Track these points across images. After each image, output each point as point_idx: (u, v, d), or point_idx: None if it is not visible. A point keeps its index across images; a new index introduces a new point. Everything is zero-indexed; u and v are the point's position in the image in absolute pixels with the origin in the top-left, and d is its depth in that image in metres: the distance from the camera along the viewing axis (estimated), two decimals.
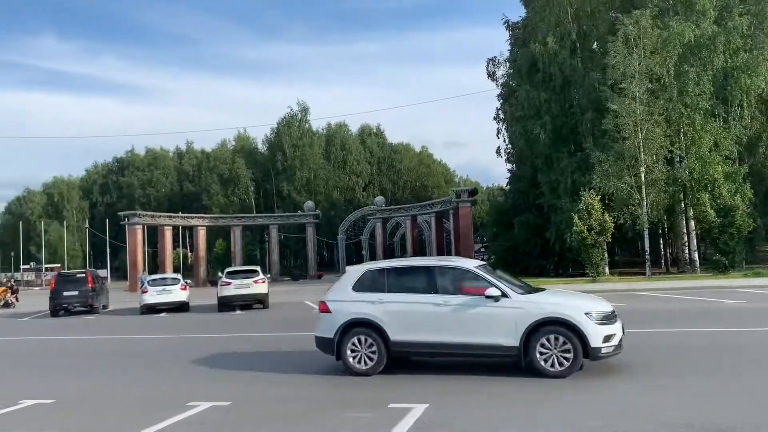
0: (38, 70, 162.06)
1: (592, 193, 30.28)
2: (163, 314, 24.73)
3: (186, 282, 26.65)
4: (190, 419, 7.74)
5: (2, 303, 32.51)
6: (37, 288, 67.94)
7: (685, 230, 35.61)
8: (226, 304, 24.14)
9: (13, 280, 40.10)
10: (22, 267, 78.12)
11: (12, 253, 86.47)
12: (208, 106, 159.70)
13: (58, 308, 25.79)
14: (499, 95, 54.20)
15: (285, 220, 58.99)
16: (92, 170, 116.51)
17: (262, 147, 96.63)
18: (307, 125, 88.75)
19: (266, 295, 24.41)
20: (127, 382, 10.70)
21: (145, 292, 24.91)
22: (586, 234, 28.90)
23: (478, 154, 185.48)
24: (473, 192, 41.04)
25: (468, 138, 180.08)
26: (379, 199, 56.94)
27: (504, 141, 61.60)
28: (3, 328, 23.12)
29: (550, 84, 39.13)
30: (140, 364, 12.70)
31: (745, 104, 34.07)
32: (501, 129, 53.16)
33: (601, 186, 32.39)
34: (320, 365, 11.25)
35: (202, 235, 51.16)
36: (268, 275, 27.78)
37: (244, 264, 53.00)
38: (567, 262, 42.06)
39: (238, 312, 23.83)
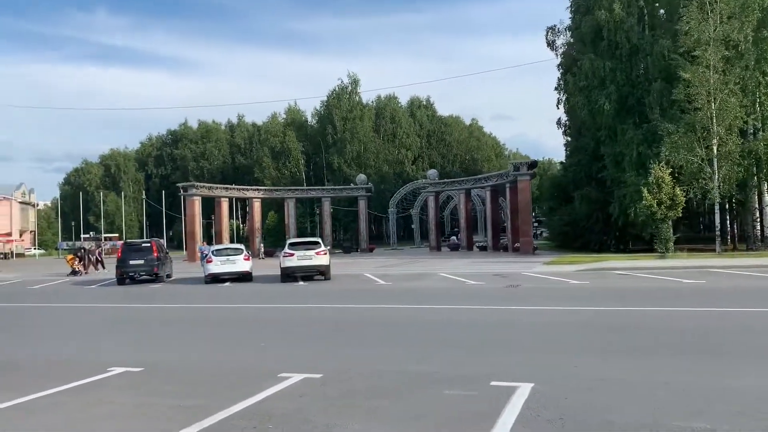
0: (90, 45, 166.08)
1: (662, 166, 29.02)
2: (227, 284, 24.90)
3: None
4: (287, 391, 7.50)
5: (71, 271, 33.38)
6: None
7: (756, 205, 33.96)
8: (289, 275, 24.15)
9: (99, 250, 41.18)
10: (82, 236, 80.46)
11: (72, 223, 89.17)
12: (258, 79, 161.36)
13: (125, 276, 26.27)
14: (559, 65, 52.69)
15: (337, 193, 58.94)
16: (147, 143, 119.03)
17: (312, 120, 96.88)
18: (357, 98, 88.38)
19: (328, 266, 24.32)
20: (210, 351, 10.59)
21: (210, 261, 25.11)
22: (655, 208, 27.77)
23: (525, 128, 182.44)
24: (533, 165, 39.99)
25: (516, 111, 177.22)
26: (432, 172, 56.25)
27: (564, 112, 60.48)
28: (73, 295, 23.67)
29: (616, 52, 37.58)
30: (220, 334, 12.65)
31: None
32: (561, 100, 51.85)
33: (670, 159, 31.07)
34: (404, 339, 10.97)
35: (257, 207, 51.53)
36: (328, 247, 27.68)
37: (297, 236, 53.40)
38: (628, 238, 40.84)
39: (301, 283, 23.80)
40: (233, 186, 53.60)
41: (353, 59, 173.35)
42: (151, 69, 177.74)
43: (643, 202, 28.38)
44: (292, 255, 23.88)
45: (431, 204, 51.94)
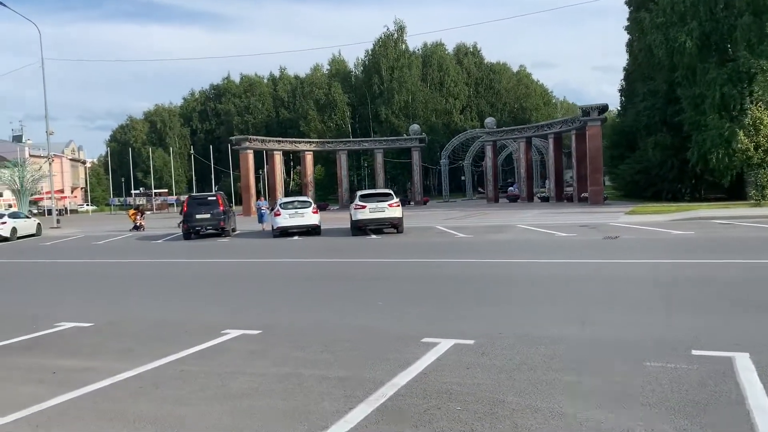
0: (126, 2, 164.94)
1: (760, 106, 26.67)
2: (296, 237, 24.00)
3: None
4: (445, 361, 6.33)
5: (133, 226, 32.99)
6: (148, 212, 70.39)
7: None
8: (360, 228, 23.07)
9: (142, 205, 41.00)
10: (132, 192, 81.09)
11: (122, 179, 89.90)
12: (294, 33, 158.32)
13: (191, 231, 25.58)
14: (628, 2, 49.54)
15: (390, 144, 57.33)
16: (190, 98, 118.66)
17: (356, 70, 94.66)
18: (403, 46, 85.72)
19: (401, 219, 23.14)
20: (322, 310, 9.50)
21: (278, 215, 24.15)
22: (752, 152, 25.59)
23: (567, 75, 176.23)
24: (603, 109, 37.59)
25: (557, 58, 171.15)
26: (490, 120, 54.05)
27: (627, 55, 57.22)
28: (144, 250, 23.07)
29: None
30: (319, 291, 11.61)
31: None
32: (633, 40, 48.82)
33: (763, 98, 28.64)
34: (540, 297, 9.70)
35: (309, 159, 50.45)
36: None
37: (350, 189, 52.34)
38: (704, 186, 38.59)
39: (373, 236, 22.70)
40: (285, 139, 52.49)
41: (390, 7, 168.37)
42: (187, 25, 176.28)
43: (738, 145, 26.21)
44: (363, 207, 22.72)
45: (489, 153, 50.04)
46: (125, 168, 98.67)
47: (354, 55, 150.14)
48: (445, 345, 6.89)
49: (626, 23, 52.65)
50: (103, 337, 8.31)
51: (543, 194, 49.48)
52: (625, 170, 42.35)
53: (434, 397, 5.29)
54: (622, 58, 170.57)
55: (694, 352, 6.19)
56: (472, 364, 6.16)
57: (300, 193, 57.59)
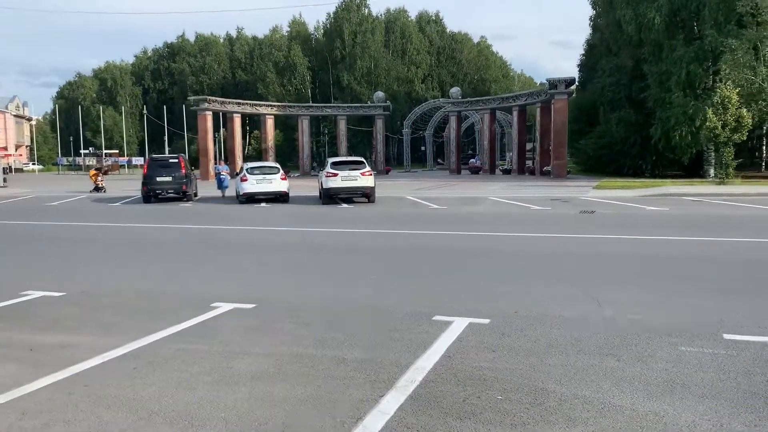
0: None
1: (728, 85, 26.91)
2: (263, 204, 23.20)
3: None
4: (466, 341, 5.92)
5: (93, 187, 31.39)
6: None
7: None
8: (331, 196, 22.44)
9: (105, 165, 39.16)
10: (82, 152, 77.93)
11: (71, 138, 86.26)
12: None
13: (151, 194, 24.46)
14: None
15: (354, 111, 56.31)
16: (142, 56, 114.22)
17: (315, 33, 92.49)
18: (366, 11, 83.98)
19: (373, 188, 22.61)
20: (317, 283, 8.96)
21: (245, 180, 23.27)
22: (719, 131, 25.87)
23: (526, 48, 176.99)
24: (570, 82, 37.58)
25: (516, 30, 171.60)
26: (455, 90, 53.52)
27: (590, 30, 57.37)
28: (104, 213, 21.94)
29: None
30: (306, 261, 11.03)
31: None
32: (598, 15, 48.93)
33: (729, 77, 28.94)
34: (543, 271, 9.36)
35: (270, 124, 49.09)
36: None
37: (311, 156, 51.37)
38: (665, 163, 39.19)
39: (345, 205, 22.13)
40: (246, 101, 50.86)
41: None
42: None
43: (707, 123, 26.46)
44: (335, 175, 22.07)
45: (453, 124, 49.69)
46: (73, 127, 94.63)
47: (314, 18, 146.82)
48: (459, 324, 6.47)
49: None
50: (80, 309, 7.59)
51: (505, 167, 49.58)
52: (587, 145, 42.65)
53: (469, 384, 4.86)
54: (580, 34, 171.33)
55: (726, 336, 5.94)
56: (496, 347, 5.76)
57: (258, 158, 56.24)
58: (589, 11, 52.96)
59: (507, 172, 47.69)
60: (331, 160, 23.71)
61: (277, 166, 25.27)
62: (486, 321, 6.57)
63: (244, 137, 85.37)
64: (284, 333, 6.35)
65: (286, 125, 73.58)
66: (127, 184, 40.91)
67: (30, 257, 12.09)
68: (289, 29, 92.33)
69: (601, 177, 37.43)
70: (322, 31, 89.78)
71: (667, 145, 35.07)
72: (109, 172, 32.55)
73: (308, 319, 6.84)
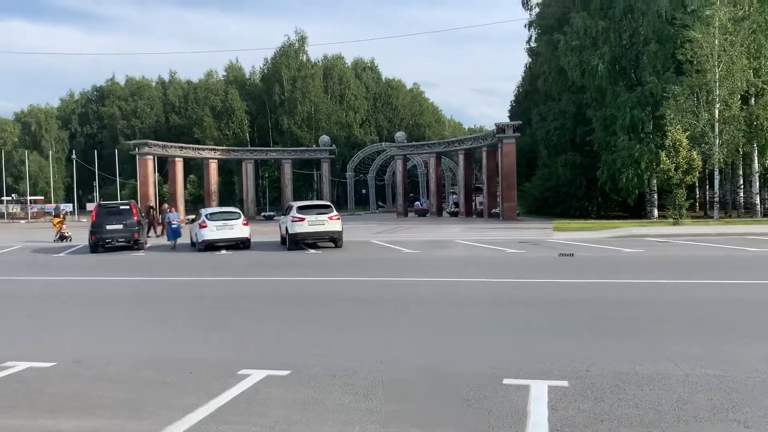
0: None
1: (678, 129, 27.89)
2: (223, 251, 21.98)
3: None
4: (559, 413, 5.26)
5: (58, 236, 28.78)
6: (23, 221, 63.96)
7: (754, 171, 33.64)
8: (297, 242, 21.52)
9: (63, 213, 36.27)
10: (4, 198, 73.36)
11: None
12: (179, 39, 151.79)
13: (99, 243, 22.77)
14: (530, 24, 51.19)
15: (300, 155, 55.58)
16: (69, 99, 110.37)
17: (251, 78, 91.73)
18: (304, 56, 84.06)
19: (341, 233, 21.83)
20: (340, 341, 8.10)
21: (204, 226, 22.01)
22: (672, 173, 26.63)
23: (450, 95, 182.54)
24: (519, 127, 38.26)
25: (439, 78, 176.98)
26: (400, 134, 53.82)
27: (524, 75, 59.22)
28: (53, 266, 20.19)
29: (609, 12, 36.24)
30: (318, 315, 10.13)
31: None
32: (533, 61, 50.46)
33: (674, 122, 30.04)
34: (591, 323, 8.83)
35: (213, 168, 47.61)
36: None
37: (255, 200, 50.11)
38: (611, 204, 40.18)
39: (312, 251, 21.23)
40: (189, 146, 49.22)
41: (279, 19, 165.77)
42: (60, 23, 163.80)
43: (661, 165, 27.22)
44: (302, 220, 21.20)
45: (399, 168, 49.67)
46: None
47: (249, 63, 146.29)
48: (538, 388, 5.80)
49: (526, 46, 54.67)
50: (81, 383, 6.49)
51: (452, 209, 49.74)
52: (533, 187, 43.40)
53: None
54: (501, 82, 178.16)
55: None
56: (602, 416, 5.12)
57: (196, 204, 54.45)
58: (524, 59, 54.64)
59: (454, 214, 47.84)
60: (296, 204, 22.82)
61: (238, 211, 24.17)
62: (564, 383, 5.94)
63: (165, 180, 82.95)
64: (346, 408, 5.50)
65: (223, 169, 71.93)
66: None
67: None
68: (225, 74, 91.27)
69: (550, 218, 37.91)
70: (259, 75, 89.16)
71: (614, 186, 36.00)
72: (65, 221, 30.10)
73: (363, 389, 6.00)
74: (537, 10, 49.84)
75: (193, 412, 5.47)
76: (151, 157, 42.78)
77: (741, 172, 36.08)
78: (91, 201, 77.52)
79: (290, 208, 22.81)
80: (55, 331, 9.54)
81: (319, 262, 18.49)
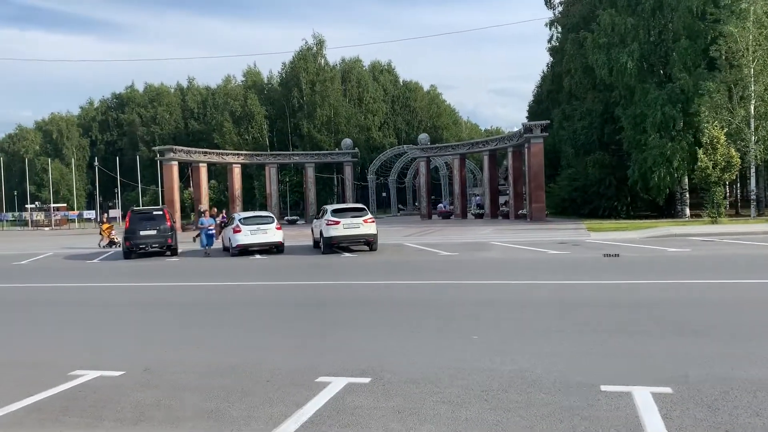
0: (9, 5, 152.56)
1: (716, 126, 27.33)
2: (257, 256, 21.82)
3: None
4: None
5: (108, 242, 28.79)
6: (47, 228, 64.42)
7: None
8: (332, 245, 21.30)
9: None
10: (28, 207, 74.07)
11: (15, 192, 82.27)
12: (197, 46, 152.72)
13: (133, 249, 22.72)
14: (550, 23, 50.81)
15: (322, 158, 55.49)
16: (88, 107, 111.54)
17: (269, 83, 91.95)
18: (322, 60, 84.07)
19: (376, 236, 21.58)
20: (419, 346, 7.84)
21: (238, 231, 21.85)
22: (710, 170, 26.07)
23: (466, 97, 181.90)
24: (546, 127, 37.81)
25: (456, 80, 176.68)
26: (424, 136, 53.51)
27: (549, 75, 58.72)
28: (89, 272, 20.16)
29: (638, 8, 35.70)
30: (384, 318, 9.86)
31: None
32: (555, 60, 50.01)
33: (709, 119, 29.43)
34: (664, 327, 8.48)
35: (236, 172, 47.61)
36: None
37: (279, 204, 50.09)
38: (640, 203, 39.60)
39: (347, 254, 21.00)
40: (212, 151, 49.35)
41: (294, 24, 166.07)
42: (76, 32, 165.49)
43: (698, 164, 26.67)
44: (337, 223, 20.99)
45: (423, 170, 49.38)
46: (14, 180, 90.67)
47: (266, 67, 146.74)
48: (642, 396, 5.49)
49: (548, 45, 54.23)
50: (158, 392, 6.29)
51: (478, 211, 49.37)
52: (560, 188, 42.90)
53: None
54: (518, 82, 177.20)
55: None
56: (722, 425, 4.84)
57: (223, 206, 54.46)
58: (544, 58, 54.19)
59: (479, 216, 47.45)
60: (331, 207, 22.62)
61: (271, 215, 23.98)
62: (668, 390, 5.63)
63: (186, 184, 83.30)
64: (445, 419, 5.23)
65: (244, 174, 72.07)
66: (85, 239, 38.57)
67: (43, 326, 10.57)
68: (244, 79, 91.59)
69: (578, 219, 37.41)
70: (278, 80, 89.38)
71: (644, 186, 35.42)
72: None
73: (455, 397, 5.73)
74: (560, 8, 49.47)
75: (284, 423, 5.25)
76: (176, 162, 42.83)
77: None
78: (113, 207, 78.08)
79: (324, 211, 22.61)
80: (114, 338, 9.36)
81: (360, 265, 18.24)
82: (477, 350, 7.43)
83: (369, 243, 21.61)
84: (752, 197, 31.72)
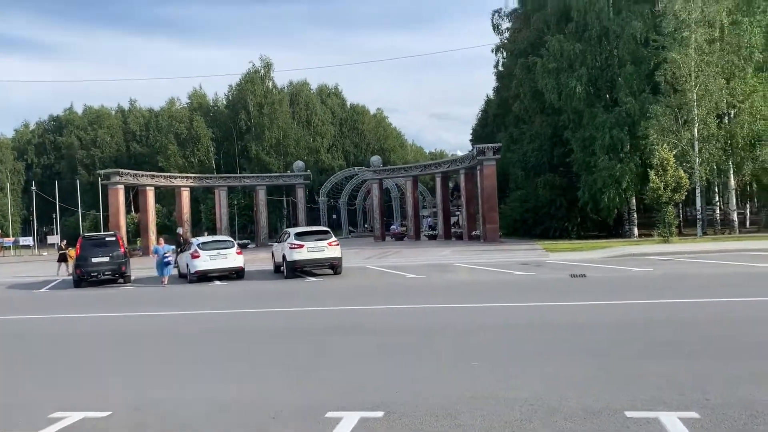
0: None
1: (665, 148, 28.26)
2: (217, 282, 21.14)
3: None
4: None
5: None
6: None
7: (731, 188, 34.32)
8: (296, 269, 20.83)
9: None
10: None
11: None
12: (130, 67, 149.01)
13: (84, 277, 21.65)
14: (497, 48, 52.01)
15: (274, 181, 54.72)
16: (23, 130, 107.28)
17: (215, 105, 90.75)
18: (270, 83, 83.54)
19: (341, 259, 21.24)
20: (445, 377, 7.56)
21: (197, 256, 21.14)
22: (662, 191, 26.87)
23: (407, 121, 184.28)
24: (498, 149, 38.38)
25: (398, 104, 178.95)
26: (376, 158, 53.58)
27: (494, 99, 59.90)
28: (37, 303, 19.05)
29: (585, 34, 36.84)
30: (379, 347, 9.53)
31: None
32: (500, 85, 51.08)
33: (657, 141, 30.43)
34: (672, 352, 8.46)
35: (185, 196, 46.42)
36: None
37: (228, 227, 49.06)
38: (590, 224, 40.48)
39: (311, 279, 20.58)
40: (160, 174, 47.98)
41: (233, 46, 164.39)
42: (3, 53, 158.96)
43: (650, 184, 27.46)
44: (301, 246, 20.56)
45: (376, 192, 49.36)
46: None
47: (211, 90, 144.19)
48: (670, 421, 5.40)
49: (494, 70, 55.46)
50: None
51: (430, 233, 49.55)
52: (511, 209, 43.46)
53: None
54: (460, 107, 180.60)
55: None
56: None
57: (167, 233, 52.92)
58: (488, 83, 55.44)
59: (432, 237, 47.63)
60: (293, 230, 22.18)
61: (231, 239, 23.38)
62: (694, 414, 5.55)
63: (136, 209, 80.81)
64: None
65: (190, 197, 70.45)
66: (22, 267, 36.76)
67: (10, 364, 9.79)
68: (189, 101, 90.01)
69: (531, 239, 37.93)
70: (224, 102, 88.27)
71: (595, 206, 36.26)
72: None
73: (480, 430, 5.49)
74: (507, 34, 50.66)
75: None
76: (122, 186, 41.41)
77: (717, 190, 36.81)
78: (50, 234, 74.81)
79: (287, 234, 22.13)
80: (90, 374, 8.73)
81: (330, 290, 17.86)
82: (483, 377, 7.22)
83: (333, 266, 21.25)
84: (698, 217, 32.86)
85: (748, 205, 41.28)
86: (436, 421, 5.76)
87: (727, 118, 33.77)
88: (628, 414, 5.63)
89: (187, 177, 49.13)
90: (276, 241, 25.00)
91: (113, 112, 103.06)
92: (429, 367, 7.86)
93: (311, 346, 9.75)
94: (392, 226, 56.36)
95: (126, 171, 43.00)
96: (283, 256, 21.13)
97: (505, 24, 50.19)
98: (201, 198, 70.71)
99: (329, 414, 6.07)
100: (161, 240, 23.76)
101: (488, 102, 71.13)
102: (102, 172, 42.04)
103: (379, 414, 6.02)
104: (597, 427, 5.39)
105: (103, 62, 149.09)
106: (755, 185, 33.83)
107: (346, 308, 14.02)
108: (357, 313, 13.22)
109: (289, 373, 8.08)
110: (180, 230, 34.90)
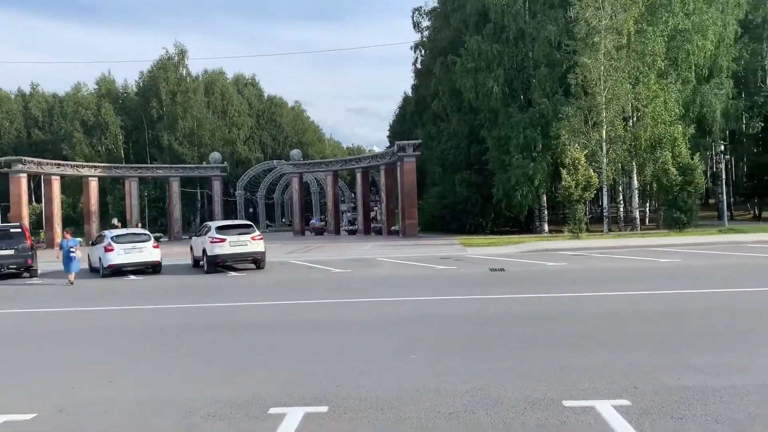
0: None
1: (577, 148, 29.54)
2: (131, 277, 20.33)
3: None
4: None
5: None
6: None
7: (634, 188, 36.32)
8: (218, 264, 20.34)
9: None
10: None
11: None
12: (33, 49, 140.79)
13: None
14: (416, 46, 52.67)
15: (189, 173, 53.06)
16: None
17: (124, 92, 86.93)
18: (184, 70, 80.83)
19: (264, 253, 20.90)
20: (410, 373, 7.54)
21: (110, 250, 20.21)
22: (573, 189, 28.11)
23: (324, 115, 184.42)
24: (418, 146, 38.92)
25: (314, 97, 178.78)
26: (296, 152, 52.92)
27: (415, 95, 60.64)
28: None
29: (502, 36, 37.91)
30: (345, 342, 9.43)
31: (693, 65, 35.01)
32: (419, 82, 51.83)
33: (568, 141, 31.78)
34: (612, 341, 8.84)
35: (93, 186, 44.23)
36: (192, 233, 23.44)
37: (140, 220, 47.26)
38: (503, 220, 41.76)
39: (233, 273, 20.18)
40: (67, 162, 45.42)
41: (144, 32, 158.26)
42: None
43: (562, 183, 28.65)
44: (222, 240, 20.09)
45: (296, 186, 48.92)
46: None
47: (120, 76, 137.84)
48: (605, 409, 5.70)
49: (413, 67, 56.24)
50: None
51: (350, 227, 49.61)
52: (431, 205, 44.21)
53: None
54: (376, 102, 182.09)
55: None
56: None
57: (73, 225, 50.31)
58: (407, 80, 56.31)
59: (352, 232, 47.73)
60: (215, 224, 21.60)
61: (147, 232, 22.49)
62: (626, 402, 5.87)
63: (37, 199, 76.51)
64: None
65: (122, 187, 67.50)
66: None
67: None
68: (97, 86, 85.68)
69: (448, 234, 38.75)
70: (134, 89, 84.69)
71: (508, 203, 37.44)
72: None
73: (426, 421, 5.59)
74: (427, 32, 51.38)
75: None
76: (25, 175, 38.99)
77: (621, 189, 38.87)
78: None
79: (207, 228, 21.56)
80: (11, 373, 8.19)
81: (255, 285, 17.55)
82: (423, 370, 7.33)
83: (257, 261, 20.91)
84: (605, 214, 34.58)
85: (648, 204, 43.77)
86: (381, 414, 5.81)
87: (631, 121, 35.69)
88: (566, 403, 5.88)
89: (95, 166, 46.87)
90: (195, 235, 24.32)
91: (13, 96, 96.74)
92: (367, 361, 7.89)
93: (241, 342, 9.59)
94: (312, 221, 56.05)
95: (29, 159, 40.52)
96: (203, 251, 20.58)
97: (425, 22, 50.95)
98: (109, 189, 67.65)
99: (272, 410, 6.01)
100: (67, 233, 22.46)
101: (406, 99, 71.97)
102: (2, 159, 39.39)
103: (324, 408, 6.01)
104: (539, 415, 5.60)
105: (1, 42, 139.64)
106: (655, 185, 35.84)
107: (273, 303, 13.86)
108: (285, 308, 13.09)
109: (222, 369, 7.91)
110: (115, 221, 33.29)
